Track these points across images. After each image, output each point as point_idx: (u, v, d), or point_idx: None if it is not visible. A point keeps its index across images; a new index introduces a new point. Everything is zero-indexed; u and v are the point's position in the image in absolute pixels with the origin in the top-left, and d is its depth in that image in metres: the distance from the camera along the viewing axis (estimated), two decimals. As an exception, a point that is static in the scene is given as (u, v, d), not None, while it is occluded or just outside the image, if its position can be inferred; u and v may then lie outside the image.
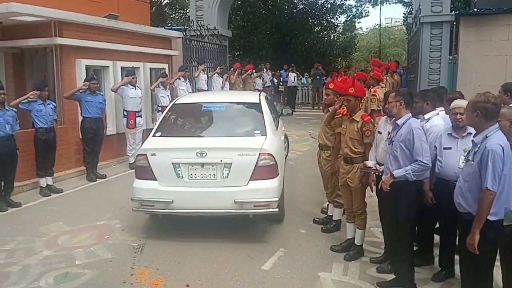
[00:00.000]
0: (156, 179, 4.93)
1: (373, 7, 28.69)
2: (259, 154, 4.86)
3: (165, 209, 4.93)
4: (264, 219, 5.59)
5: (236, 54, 23.54)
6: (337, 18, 27.54)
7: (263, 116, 5.60)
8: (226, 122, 5.83)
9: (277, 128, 6.08)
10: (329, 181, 5.28)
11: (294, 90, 18.94)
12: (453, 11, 11.05)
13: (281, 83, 18.12)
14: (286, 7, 25.20)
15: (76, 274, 4.21)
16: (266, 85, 15.30)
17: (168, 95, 9.59)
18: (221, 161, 4.86)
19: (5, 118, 5.96)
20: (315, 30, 26.13)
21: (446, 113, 4.24)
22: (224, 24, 14.80)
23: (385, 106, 4.23)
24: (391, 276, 4.01)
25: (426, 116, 4.34)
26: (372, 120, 4.67)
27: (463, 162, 3.47)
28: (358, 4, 27.49)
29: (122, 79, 8.79)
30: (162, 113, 9.30)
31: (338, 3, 26.53)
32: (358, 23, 30.50)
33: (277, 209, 4.95)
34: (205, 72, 11.80)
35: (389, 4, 28.76)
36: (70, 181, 7.61)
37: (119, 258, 4.54)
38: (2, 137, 5.91)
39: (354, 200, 4.53)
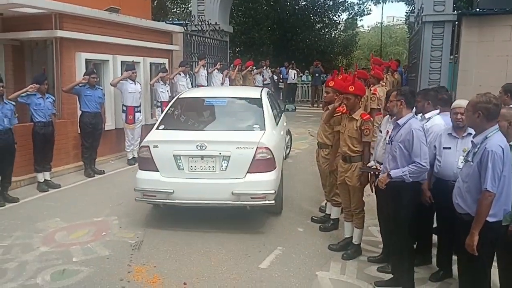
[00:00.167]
0: (158, 170, 5.14)
1: (375, 5, 28.63)
2: (257, 147, 5.05)
3: (166, 199, 5.12)
4: (262, 216, 5.60)
5: (237, 50, 23.48)
6: (339, 16, 27.51)
7: (263, 111, 5.78)
8: (227, 116, 6.02)
9: (277, 123, 6.25)
10: (327, 180, 5.27)
11: (294, 87, 18.90)
12: (456, 11, 11.01)
13: (281, 80, 18.08)
14: (288, 3, 25.12)
15: (73, 271, 4.19)
16: (265, 82, 15.26)
17: (167, 91, 9.54)
18: (220, 154, 5.04)
19: (3, 111, 5.91)
20: (317, 27, 26.10)
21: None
22: (226, 20, 14.74)
23: (386, 105, 4.20)
24: (389, 276, 4.00)
25: (427, 115, 4.33)
26: (372, 119, 4.65)
27: (462, 162, 3.45)
28: (360, 2, 27.54)
29: (122, 74, 8.74)
30: (161, 108, 9.34)
31: (340, 0, 26.45)
32: (360, 21, 30.45)
33: (273, 202, 5.10)
34: (205, 68, 11.76)
35: (391, 2, 28.73)
36: (68, 176, 7.58)
37: (116, 255, 4.52)
38: (0, 131, 5.87)
39: (352, 199, 4.52)
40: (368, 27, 42.51)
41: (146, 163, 5.21)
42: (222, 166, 5.05)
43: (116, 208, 5.98)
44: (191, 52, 12.07)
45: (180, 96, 6.54)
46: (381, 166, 3.98)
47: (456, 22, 10.58)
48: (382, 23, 35.89)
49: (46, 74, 7.40)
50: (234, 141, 5.14)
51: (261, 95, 6.26)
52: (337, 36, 27.98)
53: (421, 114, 4.34)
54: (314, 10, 25.79)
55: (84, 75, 7.64)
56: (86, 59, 8.23)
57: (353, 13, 27.75)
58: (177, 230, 5.18)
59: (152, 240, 4.90)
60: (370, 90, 7.77)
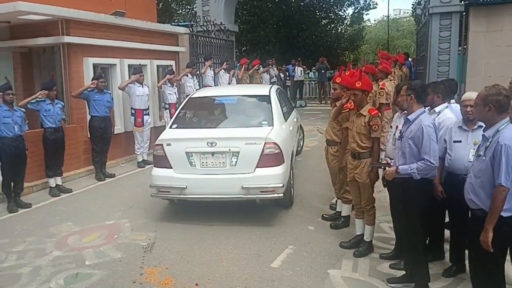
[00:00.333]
0: (171, 167, 5.39)
1: (381, -2, 28.34)
2: (265, 143, 5.26)
3: (179, 195, 5.40)
4: (272, 215, 5.61)
5: (243, 49, 23.46)
6: (344, 11, 27.34)
7: (271, 108, 6.00)
8: (237, 114, 6.24)
9: (286, 119, 6.45)
10: (337, 177, 5.24)
11: (300, 85, 18.83)
12: (463, 1, 10.86)
13: (288, 78, 18.02)
14: (293, 0, 25.01)
15: (86, 274, 4.23)
16: (272, 80, 15.24)
17: (175, 92, 9.59)
18: (229, 150, 5.27)
19: (13, 118, 5.99)
20: (323, 23, 25.93)
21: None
22: (231, 19, 14.73)
23: (397, 99, 4.13)
24: (401, 272, 3.97)
25: (436, 109, 4.27)
26: (380, 114, 4.60)
27: (472, 155, 3.40)
28: (366, -4, 27.21)
29: (129, 77, 8.80)
30: (169, 110, 9.39)
31: (345, -5, 26.29)
32: (366, 15, 30.23)
33: (282, 195, 5.29)
34: (212, 68, 11.77)
35: (397, -6, 28.37)
36: (79, 180, 7.65)
37: (128, 258, 4.55)
38: (11, 138, 5.95)
39: (362, 196, 4.48)
40: (375, 20, 42.18)
41: (160, 160, 5.45)
42: (232, 161, 5.27)
43: (128, 210, 6.02)
44: (197, 53, 12.09)
45: (192, 96, 6.82)
46: (392, 161, 3.94)
47: (464, 13, 10.44)
48: (388, 16, 35.66)
49: (55, 80, 7.46)
50: (242, 137, 5.34)
51: (269, 92, 6.47)
52: (343, 31, 27.81)
53: (428, 108, 4.27)
54: (320, 6, 25.64)
55: (92, 80, 7.70)
56: (93, 63, 8.29)
57: (359, 7, 27.52)
58: (189, 232, 5.20)
59: (164, 242, 4.92)
60: (379, 85, 7.72)
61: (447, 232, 4.28)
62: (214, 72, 11.81)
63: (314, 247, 4.70)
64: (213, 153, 5.33)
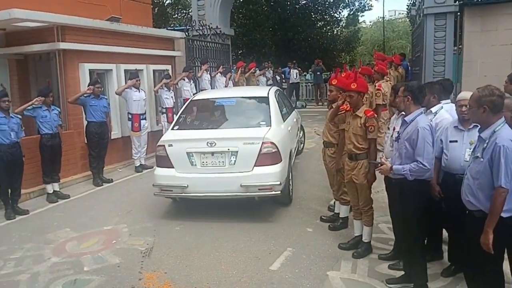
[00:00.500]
0: (173, 167, 5.61)
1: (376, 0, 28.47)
2: (262, 142, 5.46)
3: (181, 193, 5.60)
4: (271, 218, 5.61)
5: (239, 52, 23.50)
6: (340, 13, 27.42)
7: (269, 109, 6.19)
8: (236, 115, 6.45)
9: (285, 120, 6.62)
10: (334, 178, 5.24)
11: (296, 87, 18.87)
12: (457, 1, 10.91)
13: (284, 80, 18.06)
14: (289, 3, 25.08)
15: (85, 280, 4.21)
16: (268, 82, 15.27)
17: (172, 97, 9.60)
18: (228, 149, 5.47)
19: (10, 125, 5.98)
20: (318, 25, 26.02)
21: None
22: (227, 23, 14.76)
23: (394, 100, 4.13)
24: (401, 273, 3.97)
25: (433, 109, 4.28)
26: (376, 115, 4.61)
27: (469, 155, 3.40)
28: (361, -2, 27.31)
29: (125, 82, 8.80)
30: (166, 114, 9.40)
31: (340, -3, 26.38)
32: (361, 16, 30.18)
33: (279, 192, 5.48)
34: (208, 72, 11.78)
35: (392, -4, 28.51)
36: (76, 186, 7.63)
37: (127, 263, 4.54)
38: (8, 145, 5.93)
39: (360, 197, 4.49)
40: (370, 22, 42.36)
41: (163, 160, 5.67)
42: (231, 160, 5.48)
43: (125, 216, 6.00)
44: (193, 57, 12.11)
45: (193, 99, 7.05)
46: (389, 160, 3.94)
47: (458, 13, 10.49)
48: (384, 17, 35.78)
49: (51, 86, 7.46)
50: (241, 137, 5.54)
51: (268, 93, 6.64)
52: (339, 33, 27.87)
53: (424, 108, 4.28)
54: (315, 8, 25.71)
55: (88, 86, 7.69)
56: (89, 69, 8.29)
57: (354, 9, 27.60)
58: (187, 236, 5.20)
59: (162, 246, 4.91)
60: (375, 86, 7.74)
61: (445, 232, 4.29)
62: (210, 76, 11.83)
63: (313, 249, 4.69)
64: (212, 153, 5.52)
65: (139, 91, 8.66)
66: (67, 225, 5.72)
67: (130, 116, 8.60)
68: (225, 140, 5.53)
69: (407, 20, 31.60)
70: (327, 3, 26.00)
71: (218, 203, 6.11)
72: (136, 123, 8.58)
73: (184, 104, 10.22)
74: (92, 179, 7.78)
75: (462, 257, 3.26)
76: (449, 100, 4.53)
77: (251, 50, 23.03)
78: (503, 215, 2.84)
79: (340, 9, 27.01)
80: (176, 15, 27.63)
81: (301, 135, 9.04)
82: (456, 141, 3.75)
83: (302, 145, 9.32)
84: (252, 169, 5.45)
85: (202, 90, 11.09)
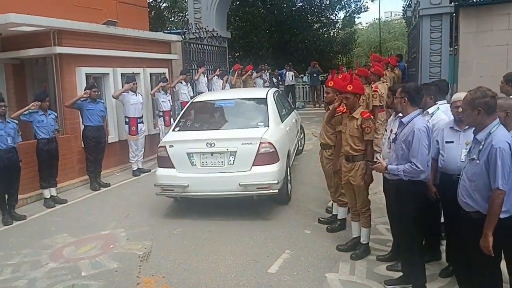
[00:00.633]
0: (174, 167, 5.76)
1: (372, 1, 28.71)
2: (260, 143, 5.60)
3: (182, 193, 5.75)
4: (269, 220, 5.61)
5: (236, 55, 23.54)
6: (336, 14, 27.53)
7: (267, 110, 6.33)
8: (235, 116, 6.59)
9: (283, 121, 6.76)
10: (332, 180, 5.24)
11: (292, 89, 18.89)
12: (452, 2, 10.97)
13: (280, 83, 18.09)
14: (285, 5, 25.15)
15: (82, 286, 4.19)
16: (265, 85, 15.29)
17: (169, 100, 9.59)
18: (227, 150, 5.62)
19: (6, 130, 5.95)
20: (315, 27, 26.10)
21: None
22: (223, 26, 14.79)
23: (393, 101, 4.13)
24: (399, 274, 3.97)
25: (430, 110, 4.29)
26: (372, 116, 4.62)
27: (465, 155, 3.40)
28: (357, -1, 27.42)
29: (122, 86, 8.79)
30: (163, 118, 9.40)
31: (336, -1, 26.48)
32: (358, 18, 30.31)
33: (277, 191, 5.64)
34: (205, 75, 11.79)
35: (388, -3, 28.60)
36: (74, 191, 7.60)
37: (124, 268, 4.52)
38: (4, 150, 5.91)
39: (357, 198, 4.49)
40: (367, 23, 42.56)
41: (164, 161, 5.83)
42: (229, 160, 5.63)
43: (123, 220, 5.99)
44: (190, 60, 12.11)
45: (194, 101, 7.26)
46: (386, 160, 3.95)
47: (454, 14, 10.54)
48: (380, 19, 35.87)
49: (48, 91, 7.45)
50: (239, 137, 5.69)
51: (267, 95, 6.77)
52: (335, 34, 27.95)
53: (421, 110, 4.29)
54: (311, 10, 25.79)
55: (85, 90, 7.67)
56: (86, 73, 8.28)
57: (350, 11, 27.72)
58: (185, 239, 5.18)
59: (160, 250, 4.89)
60: (371, 87, 7.75)
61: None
62: (207, 79, 11.83)
63: (311, 251, 4.69)
64: (212, 153, 5.66)
65: (136, 95, 8.65)
66: (65, 230, 5.70)
67: (127, 120, 8.59)
68: (224, 141, 5.68)
69: (403, 21, 31.69)
70: (323, 5, 26.10)
71: (216, 205, 6.13)
72: (134, 126, 8.57)
73: (181, 107, 10.28)
74: (90, 183, 7.76)
75: (459, 258, 3.25)
76: (445, 101, 4.55)
77: (248, 53, 23.07)
78: (501, 216, 2.84)
79: (336, 11, 27.14)
80: (172, 18, 27.67)
81: (301, 135, 9.15)
82: (452, 142, 3.76)
83: (302, 145, 9.44)
84: (250, 168, 5.59)
85: (199, 93, 11.10)
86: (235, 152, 5.59)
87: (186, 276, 4.28)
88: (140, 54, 9.74)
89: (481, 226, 2.87)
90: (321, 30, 26.56)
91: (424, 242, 4.17)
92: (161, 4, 26.36)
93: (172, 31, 15.49)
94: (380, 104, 7.63)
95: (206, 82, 11.72)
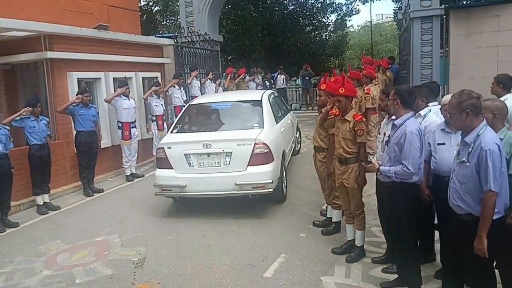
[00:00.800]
0: (172, 168, 5.95)
1: (363, 4, 28.65)
2: (255, 143, 5.78)
3: (180, 192, 5.93)
4: (264, 224, 5.60)
5: (229, 58, 23.52)
6: (327, 17, 27.56)
7: (262, 111, 6.51)
8: (230, 117, 6.78)
9: (278, 122, 6.95)
10: (326, 183, 5.25)
11: (283, 92, 18.92)
12: (443, 5, 11.05)
13: (273, 86, 18.12)
14: (277, 8, 25.20)
15: (76, 292, 4.16)
16: (258, 88, 15.30)
17: (162, 104, 9.56)
18: (223, 150, 5.80)
19: (-3, 137, 5.90)
20: (307, 30, 26.16)
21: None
22: (215, 29, 14.78)
23: (386, 104, 4.14)
24: (394, 276, 3.98)
25: (422, 112, 4.31)
26: (364, 119, 4.64)
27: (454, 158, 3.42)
28: (348, 2, 27.54)
29: (114, 90, 8.75)
30: (156, 122, 9.37)
31: (328, 2, 26.56)
32: (349, 21, 30.40)
33: (271, 190, 5.81)
34: (198, 79, 11.77)
35: (379, 0, 28.82)
36: (67, 197, 7.54)
37: (119, 274, 4.49)
38: (-4, 157, 5.86)
39: (351, 201, 4.50)
40: (358, 26, 42.67)
41: (162, 162, 6.03)
42: (225, 161, 5.80)
43: (117, 226, 5.95)
44: (183, 63, 12.09)
45: (191, 103, 7.46)
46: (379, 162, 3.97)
47: (444, 16, 10.62)
48: (371, 21, 36.05)
49: (39, 96, 7.39)
50: (234, 139, 5.88)
51: (262, 97, 6.96)
52: (327, 37, 28.03)
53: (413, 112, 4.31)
54: (303, 13, 25.85)
55: (77, 95, 7.63)
56: (78, 78, 8.22)
57: (341, 14, 27.78)
58: (180, 245, 5.16)
59: (155, 256, 4.87)
60: (364, 90, 7.80)
61: (437, 234, 4.31)
62: (200, 82, 11.82)
63: (306, 255, 4.69)
64: (208, 154, 5.84)
65: (129, 99, 8.61)
66: (58, 237, 5.65)
67: (120, 125, 8.55)
68: (220, 142, 5.84)
69: (395, 23, 31.91)
70: (315, 8, 26.17)
71: (210, 210, 6.14)
72: (127, 131, 8.53)
73: (174, 111, 10.28)
74: (83, 189, 7.70)
75: (452, 260, 3.26)
76: (436, 103, 4.58)
77: (240, 56, 23.06)
78: (493, 217, 2.86)
79: (328, 14, 27.18)
80: (164, 22, 27.58)
81: (297, 136, 9.33)
82: (444, 144, 3.78)
83: (299, 145, 9.60)
84: (246, 168, 5.76)
85: (192, 97, 11.10)
86: (231, 152, 5.76)
87: (181, 281, 4.27)
88: (132, 58, 9.70)
89: (474, 228, 2.89)
90: (313, 33, 26.63)
91: (418, 243, 4.20)
92: (153, 7, 26.28)
93: (164, 35, 15.45)
94: (373, 106, 7.68)
95: (199, 86, 11.72)
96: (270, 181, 5.75)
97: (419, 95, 4.30)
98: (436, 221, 4.27)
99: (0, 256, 5.14)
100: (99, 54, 8.74)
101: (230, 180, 5.73)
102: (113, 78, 9.05)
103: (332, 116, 4.80)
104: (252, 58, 22.50)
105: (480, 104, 2.94)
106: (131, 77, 9.53)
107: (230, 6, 22.23)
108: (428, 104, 4.36)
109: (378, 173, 3.78)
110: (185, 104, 10.22)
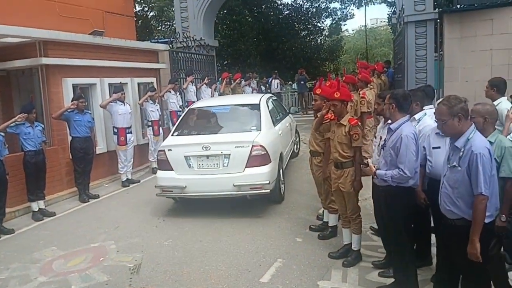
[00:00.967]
0: (173, 169, 6.14)
1: (357, 8, 28.87)
2: (252, 146, 5.95)
3: (180, 193, 6.13)
4: (260, 228, 5.58)
5: (224, 63, 23.58)
6: (322, 22, 27.77)
7: (260, 115, 6.70)
8: (229, 121, 6.99)
9: (275, 125, 7.16)
10: (322, 187, 5.26)
11: (278, 97, 18.95)
12: (436, 9, 11.13)
13: (268, 90, 18.15)
14: (272, 13, 25.33)
15: (72, 299, 4.13)
16: (253, 92, 15.31)
17: (157, 109, 9.55)
18: (221, 152, 5.98)
19: (-8, 143, 5.88)
20: (302, 34, 26.31)
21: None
22: (211, 34, 14.80)
23: (382, 108, 4.15)
24: (391, 280, 3.98)
25: (416, 116, 4.33)
26: (360, 123, 4.65)
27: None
28: (343, 7, 27.73)
29: (110, 96, 8.73)
30: (152, 128, 9.35)
31: (323, 6, 26.71)
32: (344, 25, 30.68)
33: (269, 191, 5.96)
34: (194, 84, 11.78)
35: (373, 4, 28.97)
36: (62, 203, 7.50)
37: (115, 281, 4.46)
38: (-9, 163, 5.83)
39: (347, 205, 4.51)
40: (353, 30, 42.98)
41: (163, 164, 6.23)
42: (224, 163, 5.99)
43: (113, 232, 5.92)
44: (178, 69, 12.09)
45: (191, 107, 7.67)
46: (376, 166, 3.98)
47: (438, 20, 10.69)
48: (366, 26, 36.24)
49: (34, 102, 7.37)
50: (233, 141, 6.05)
51: (260, 101, 7.16)
52: (322, 42, 28.18)
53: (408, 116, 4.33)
54: (298, 18, 25.99)
55: (72, 101, 7.61)
56: (73, 84, 8.20)
57: (336, 18, 27.97)
58: (176, 250, 5.14)
59: (151, 262, 4.84)
60: (359, 94, 7.81)
61: (434, 238, 4.31)
62: (196, 87, 11.83)
63: (303, 259, 4.68)
64: (207, 156, 6.03)
65: (125, 105, 8.60)
66: (54, 243, 5.61)
67: (115, 130, 8.52)
68: (218, 144, 6.02)
69: (389, 28, 32.08)
70: (310, 12, 26.32)
71: (206, 215, 6.14)
72: (122, 137, 8.50)
73: (170, 116, 10.27)
74: (78, 195, 7.67)
75: (447, 265, 3.26)
76: (432, 106, 4.60)
77: (236, 61, 23.11)
78: (485, 220, 2.87)
79: (323, 19, 27.37)
80: (160, 27, 27.59)
81: (296, 138, 9.49)
82: (439, 147, 3.79)
83: (298, 147, 9.74)
84: (244, 170, 5.93)
85: (188, 102, 11.11)
86: (229, 154, 5.94)
87: (178, 287, 4.24)
88: (128, 63, 9.69)
89: (466, 233, 2.89)
90: (308, 38, 26.78)
91: (415, 247, 4.21)
92: (148, 13, 26.30)
93: (160, 40, 15.46)
94: (368, 110, 7.70)
95: (195, 91, 11.73)
96: (267, 182, 5.89)
97: (413, 99, 4.32)
98: (432, 225, 4.29)
99: (-5, 263, 5.10)
100: (94, 60, 8.73)
101: (229, 181, 5.89)
102: (109, 83, 9.04)
103: (327, 121, 4.81)
104: (247, 62, 22.56)
105: (467, 107, 2.97)
106: (127, 83, 9.51)
107: (225, 11, 22.31)
108: (424, 108, 4.38)
109: (375, 176, 3.79)
110: (180, 109, 10.23)
